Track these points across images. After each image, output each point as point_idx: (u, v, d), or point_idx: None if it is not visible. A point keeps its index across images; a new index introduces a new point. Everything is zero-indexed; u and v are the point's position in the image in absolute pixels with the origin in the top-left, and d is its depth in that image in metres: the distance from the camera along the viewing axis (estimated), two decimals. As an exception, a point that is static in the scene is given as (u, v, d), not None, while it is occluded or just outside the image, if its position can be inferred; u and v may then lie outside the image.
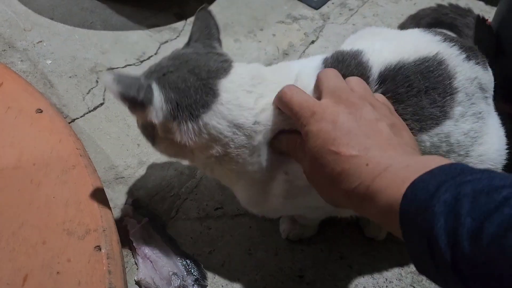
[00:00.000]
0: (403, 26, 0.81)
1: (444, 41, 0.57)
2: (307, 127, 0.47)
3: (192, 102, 0.52)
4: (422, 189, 0.37)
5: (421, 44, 0.57)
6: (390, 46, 0.57)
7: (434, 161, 0.39)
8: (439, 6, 0.79)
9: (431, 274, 0.38)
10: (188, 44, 0.60)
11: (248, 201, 0.60)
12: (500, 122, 0.62)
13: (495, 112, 0.62)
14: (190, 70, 0.54)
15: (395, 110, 0.53)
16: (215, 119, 0.52)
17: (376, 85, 0.54)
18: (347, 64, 0.56)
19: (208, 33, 0.60)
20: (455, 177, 0.36)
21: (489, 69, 0.61)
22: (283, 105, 0.50)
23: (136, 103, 0.52)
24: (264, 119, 0.52)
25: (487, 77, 0.59)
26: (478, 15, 0.76)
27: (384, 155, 0.43)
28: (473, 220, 0.32)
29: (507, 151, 0.60)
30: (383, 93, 0.54)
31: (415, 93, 0.54)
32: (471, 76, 0.56)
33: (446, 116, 0.54)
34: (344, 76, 0.53)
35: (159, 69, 0.55)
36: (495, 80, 0.61)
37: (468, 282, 0.33)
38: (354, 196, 0.43)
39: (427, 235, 0.35)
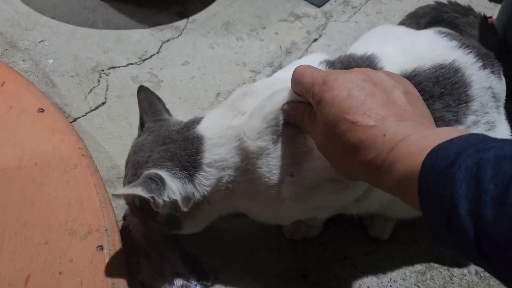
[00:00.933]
0: (402, 25, 0.80)
1: (460, 48, 0.57)
2: (319, 95, 0.45)
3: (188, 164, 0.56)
4: (442, 157, 0.35)
5: (437, 50, 0.57)
6: (404, 51, 0.57)
7: (453, 132, 0.38)
8: (438, 4, 0.78)
9: (447, 243, 0.36)
10: (142, 128, 0.64)
11: (265, 216, 0.62)
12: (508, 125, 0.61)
13: (506, 120, 0.61)
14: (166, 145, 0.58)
15: None
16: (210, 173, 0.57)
17: None
18: None
19: (154, 110, 0.64)
20: (476, 144, 0.34)
21: (503, 78, 0.60)
22: (297, 83, 0.50)
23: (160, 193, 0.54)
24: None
25: (500, 86, 0.59)
26: (480, 14, 0.75)
27: (401, 125, 0.41)
28: (496, 186, 0.31)
29: None
30: None
31: (427, 97, 0.53)
32: (485, 85, 0.56)
33: (458, 121, 0.54)
34: None
35: (142, 162, 0.57)
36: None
37: (488, 250, 0.32)
38: (370, 167, 0.41)
39: (447, 202, 0.33)
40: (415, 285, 0.68)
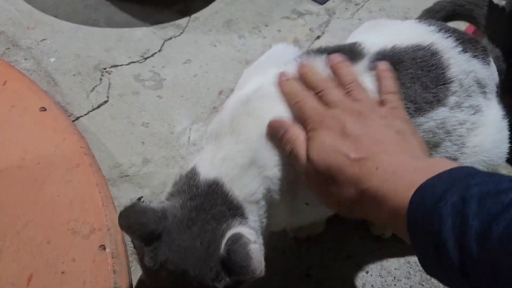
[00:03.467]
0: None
1: (438, 32, 0.58)
2: (314, 131, 0.47)
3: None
4: (430, 193, 0.37)
5: (415, 34, 0.58)
6: (385, 35, 0.58)
7: (442, 163, 0.40)
8: None
9: (438, 275, 0.38)
10: (149, 243, 0.50)
11: (304, 222, 0.63)
12: (504, 115, 0.61)
13: (498, 105, 0.61)
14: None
15: None
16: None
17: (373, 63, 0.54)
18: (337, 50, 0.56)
19: (154, 214, 0.50)
20: (462, 180, 0.36)
21: (491, 64, 0.60)
22: (296, 110, 0.51)
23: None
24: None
25: (485, 71, 0.59)
26: (494, 4, 0.74)
27: (392, 159, 0.43)
28: (481, 222, 0.32)
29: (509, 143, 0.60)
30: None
31: (409, 78, 0.54)
32: (466, 69, 0.57)
33: (440, 103, 0.55)
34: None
35: (203, 256, 0.48)
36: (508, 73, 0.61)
37: (475, 284, 0.33)
38: (364, 199, 0.43)
39: (435, 237, 0.35)
40: (420, 283, 0.68)
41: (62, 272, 0.58)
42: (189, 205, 0.50)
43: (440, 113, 0.55)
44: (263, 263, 0.46)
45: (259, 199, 0.52)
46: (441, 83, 0.55)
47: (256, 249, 0.46)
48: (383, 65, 0.53)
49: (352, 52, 0.56)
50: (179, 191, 0.52)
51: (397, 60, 0.55)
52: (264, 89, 0.54)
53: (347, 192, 0.44)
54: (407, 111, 0.53)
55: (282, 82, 0.54)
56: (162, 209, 0.50)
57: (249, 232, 0.49)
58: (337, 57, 0.54)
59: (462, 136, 0.57)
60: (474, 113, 0.57)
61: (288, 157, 0.50)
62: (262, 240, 0.53)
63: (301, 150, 0.48)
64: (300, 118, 0.50)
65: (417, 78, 0.54)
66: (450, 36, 0.57)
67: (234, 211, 0.50)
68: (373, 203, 0.42)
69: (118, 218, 0.50)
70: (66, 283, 0.58)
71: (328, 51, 0.57)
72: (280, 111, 0.52)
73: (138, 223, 0.49)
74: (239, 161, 0.51)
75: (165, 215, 0.50)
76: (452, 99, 0.55)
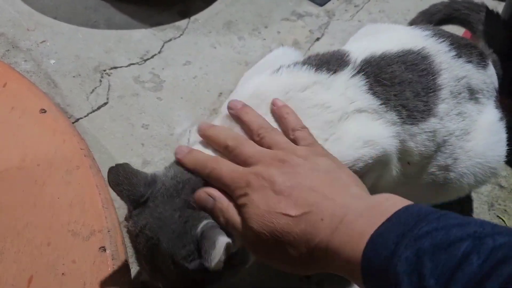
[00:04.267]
0: (413, 23, 0.80)
1: (432, 37, 0.57)
2: (244, 197, 0.44)
3: None
4: (381, 246, 0.36)
5: (407, 38, 0.57)
6: (376, 41, 0.58)
7: (387, 203, 0.39)
8: (452, 1, 0.77)
9: None
10: (136, 205, 0.50)
11: None
12: (501, 117, 0.61)
13: (494, 109, 0.61)
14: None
15: (383, 92, 0.52)
16: None
17: (358, 67, 0.54)
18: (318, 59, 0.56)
19: (143, 176, 0.51)
20: (413, 229, 0.35)
21: (489, 68, 0.59)
22: (213, 180, 0.48)
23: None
24: None
25: (480, 76, 0.58)
26: (490, 9, 0.74)
27: (335, 205, 0.41)
28: (437, 282, 0.32)
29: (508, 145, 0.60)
30: (365, 76, 0.53)
31: (398, 81, 0.53)
32: (458, 74, 0.55)
33: (431, 113, 0.54)
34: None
35: (179, 230, 0.47)
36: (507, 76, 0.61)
37: None
38: (316, 254, 0.41)
39: None
40: (419, 285, 0.68)
41: (63, 274, 0.59)
42: (179, 177, 0.50)
43: (431, 125, 0.54)
44: (223, 258, 0.44)
45: None
46: (431, 90, 0.54)
47: (222, 243, 0.44)
48: (279, 103, 0.51)
49: (339, 61, 0.55)
50: (174, 163, 0.52)
51: (387, 63, 0.54)
52: (260, 93, 0.54)
53: (298, 251, 0.42)
54: (400, 116, 0.53)
55: (184, 158, 0.50)
56: (153, 175, 0.51)
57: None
58: (236, 103, 0.52)
59: (452, 145, 0.57)
60: (463, 120, 0.57)
61: (225, 227, 0.46)
62: None
63: (237, 219, 0.45)
64: (222, 187, 0.47)
65: (408, 83, 0.53)
66: (444, 41, 0.56)
67: None
68: (326, 257, 0.40)
69: (108, 173, 0.50)
70: (66, 284, 0.58)
71: (316, 60, 0.56)
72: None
73: (127, 183, 0.49)
74: None
75: (154, 180, 0.50)
76: (441, 107, 0.55)
